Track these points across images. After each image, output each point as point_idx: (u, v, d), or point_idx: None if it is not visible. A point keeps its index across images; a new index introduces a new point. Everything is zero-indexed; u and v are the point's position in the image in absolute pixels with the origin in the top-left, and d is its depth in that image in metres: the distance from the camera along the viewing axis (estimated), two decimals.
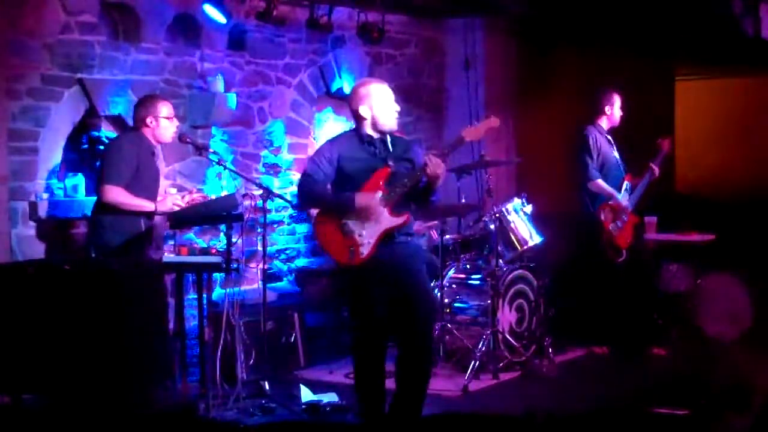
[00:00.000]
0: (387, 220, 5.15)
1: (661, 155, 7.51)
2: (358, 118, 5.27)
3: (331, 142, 5.39)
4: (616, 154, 7.41)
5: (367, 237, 5.12)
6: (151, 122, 5.96)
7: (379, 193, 5.15)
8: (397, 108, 5.32)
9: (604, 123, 7.42)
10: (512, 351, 6.81)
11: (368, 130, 5.26)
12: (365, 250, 5.12)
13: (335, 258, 5.21)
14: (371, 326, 5.22)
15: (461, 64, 9.00)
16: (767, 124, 9.80)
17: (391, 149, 5.27)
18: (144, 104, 6.07)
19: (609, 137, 7.43)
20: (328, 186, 5.26)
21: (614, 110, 7.40)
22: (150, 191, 6.00)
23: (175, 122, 6.10)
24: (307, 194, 5.31)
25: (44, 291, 5.07)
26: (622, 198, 7.30)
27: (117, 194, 5.82)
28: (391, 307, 5.19)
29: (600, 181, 7.28)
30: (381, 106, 5.23)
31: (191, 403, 5.92)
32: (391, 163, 5.22)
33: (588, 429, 4.19)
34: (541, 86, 8.84)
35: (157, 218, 6.27)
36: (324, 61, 8.19)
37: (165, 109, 6.01)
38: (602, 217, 7.23)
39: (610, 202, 7.26)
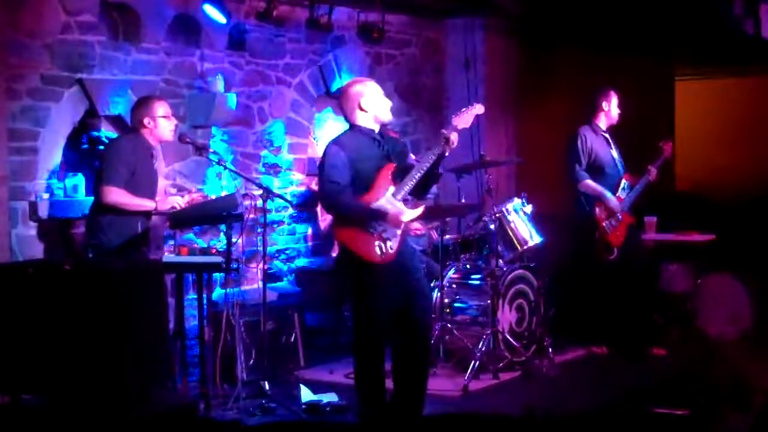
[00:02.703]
0: (407, 213, 5.19)
1: (661, 158, 7.48)
2: (361, 113, 5.28)
3: (338, 145, 5.31)
4: (614, 153, 7.39)
5: (391, 232, 5.18)
6: (149, 123, 5.97)
7: (391, 188, 5.21)
8: (390, 102, 5.39)
9: (601, 121, 7.40)
10: (512, 351, 6.81)
11: (371, 124, 5.30)
12: (394, 245, 5.18)
13: (366, 257, 5.15)
14: (373, 326, 5.22)
15: (461, 64, 9.00)
16: (767, 124, 9.81)
17: (386, 144, 5.35)
18: (140, 106, 6.07)
19: (607, 136, 7.41)
20: (351, 191, 5.22)
21: (611, 108, 7.38)
22: (148, 193, 6.00)
23: (173, 120, 6.09)
24: (336, 203, 5.23)
25: (44, 291, 5.07)
26: (616, 197, 7.28)
27: (117, 195, 5.83)
28: (396, 305, 5.21)
29: (588, 182, 7.28)
30: (376, 100, 5.30)
31: (191, 403, 5.92)
32: (393, 158, 5.31)
33: (588, 429, 4.19)
34: (541, 86, 8.84)
35: (157, 218, 6.27)
36: (324, 61, 8.19)
37: (161, 108, 6.01)
38: (597, 214, 7.23)
39: (603, 201, 7.26)
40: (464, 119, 5.31)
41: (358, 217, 5.21)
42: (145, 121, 5.96)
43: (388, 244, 5.16)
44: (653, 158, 7.45)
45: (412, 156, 5.87)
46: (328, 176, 5.20)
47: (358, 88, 5.32)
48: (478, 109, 5.39)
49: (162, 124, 5.99)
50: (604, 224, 7.23)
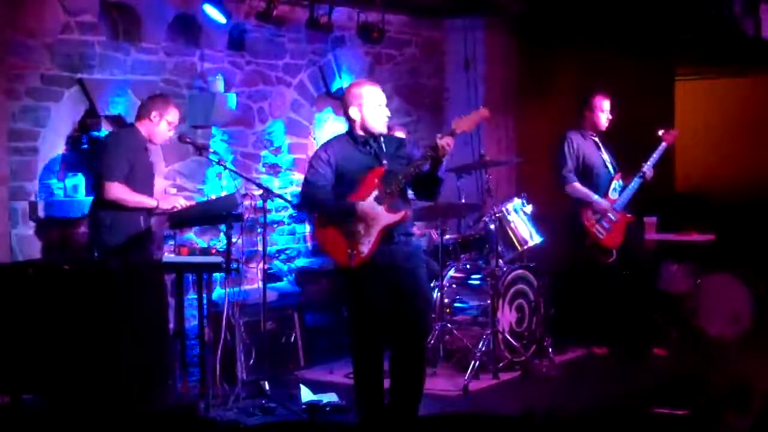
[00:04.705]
0: (384, 217, 5.15)
1: (659, 150, 7.36)
2: (349, 120, 5.31)
3: (326, 145, 5.41)
4: (604, 155, 7.35)
5: (366, 236, 5.12)
6: (154, 117, 6.03)
7: (375, 192, 5.17)
8: (388, 113, 5.33)
9: (588, 125, 7.39)
10: (512, 351, 6.81)
11: (359, 131, 5.29)
12: (365, 249, 5.12)
13: (335, 259, 5.21)
14: (370, 327, 5.22)
15: (461, 64, 8.99)
16: (767, 124, 9.81)
17: (384, 149, 5.29)
18: (156, 100, 6.16)
19: (596, 139, 7.39)
20: (329, 190, 5.25)
21: (597, 113, 7.33)
22: (145, 186, 6.03)
23: (173, 131, 6.17)
24: (310, 200, 5.32)
25: (44, 291, 5.07)
26: (607, 198, 7.25)
27: (118, 190, 5.84)
28: (389, 307, 5.19)
29: (575, 185, 7.27)
30: (371, 108, 5.25)
31: (191, 403, 5.92)
32: (385, 161, 5.24)
33: (588, 429, 4.19)
34: (541, 86, 8.84)
35: (157, 218, 6.28)
36: (324, 61, 8.19)
37: (173, 113, 6.12)
38: (585, 221, 7.22)
39: (592, 205, 7.24)
40: (466, 123, 5.22)
41: (327, 212, 5.23)
42: (153, 114, 6.02)
43: (360, 247, 5.12)
44: (650, 151, 7.35)
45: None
46: (306, 175, 5.36)
47: (353, 93, 5.30)
48: (483, 113, 5.29)
49: (163, 126, 6.06)
50: (593, 230, 7.23)
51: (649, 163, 7.31)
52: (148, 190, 6.06)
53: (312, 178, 5.26)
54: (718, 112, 10.25)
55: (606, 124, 7.37)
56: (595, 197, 7.24)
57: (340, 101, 5.45)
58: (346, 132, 5.39)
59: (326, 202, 5.23)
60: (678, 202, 9.27)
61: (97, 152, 6.20)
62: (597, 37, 8.47)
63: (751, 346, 7.32)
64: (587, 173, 7.31)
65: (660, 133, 7.42)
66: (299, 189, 7.86)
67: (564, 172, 7.27)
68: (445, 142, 5.06)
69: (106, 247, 5.86)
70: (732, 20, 7.76)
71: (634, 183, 7.32)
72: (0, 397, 5.25)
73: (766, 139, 9.80)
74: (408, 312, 5.21)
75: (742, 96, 10.08)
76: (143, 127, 6.05)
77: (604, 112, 7.34)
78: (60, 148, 6.50)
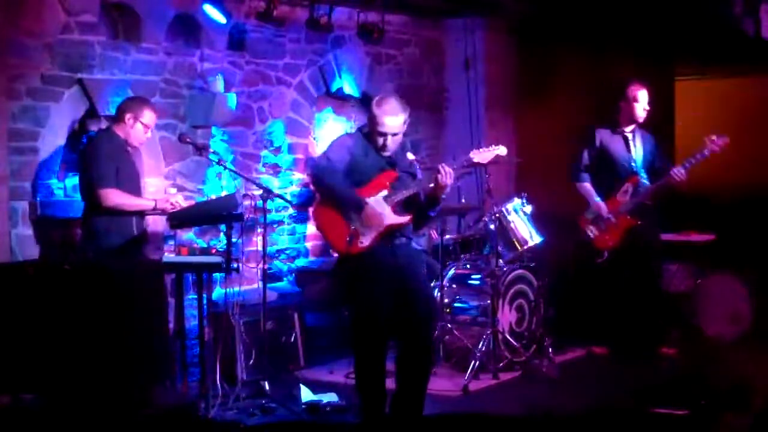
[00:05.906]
0: (390, 217, 5.19)
1: (699, 156, 7.20)
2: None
3: (348, 136, 5.50)
4: (634, 153, 7.24)
5: (368, 228, 5.17)
6: (129, 120, 5.98)
7: (384, 192, 5.21)
8: (397, 141, 5.26)
9: (623, 119, 7.30)
10: (512, 351, 6.81)
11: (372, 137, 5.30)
12: (366, 241, 5.16)
13: (333, 244, 5.24)
14: (372, 324, 5.23)
15: (461, 64, 9.00)
16: (767, 124, 9.80)
17: (396, 161, 5.33)
18: (132, 102, 6.11)
19: (628, 135, 7.29)
20: (342, 176, 5.24)
21: (632, 104, 7.19)
22: (132, 188, 6.01)
23: (149, 133, 6.14)
24: (323, 179, 5.25)
25: (44, 291, 5.07)
26: (614, 198, 7.23)
27: (115, 196, 5.82)
28: (393, 308, 5.20)
29: (584, 185, 7.30)
30: (376, 132, 5.21)
31: (191, 403, 5.93)
32: (398, 168, 5.29)
33: (588, 429, 4.19)
34: (541, 86, 8.83)
35: (157, 218, 6.27)
36: (324, 61, 8.19)
37: (149, 115, 6.04)
38: (582, 219, 7.24)
39: (591, 207, 7.25)
40: (483, 156, 5.31)
41: (337, 197, 5.22)
42: (127, 116, 5.99)
43: (360, 238, 5.15)
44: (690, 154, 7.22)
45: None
46: (326, 153, 5.34)
47: (373, 110, 5.22)
48: (501, 151, 5.35)
49: (138, 129, 6.01)
50: (585, 228, 7.25)
51: (685, 166, 7.15)
52: (135, 192, 6.05)
53: (333, 158, 5.23)
54: (718, 112, 10.22)
55: (643, 116, 7.23)
56: (596, 199, 7.24)
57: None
58: (362, 130, 5.38)
59: (337, 189, 5.21)
60: (678, 202, 9.26)
61: (82, 161, 6.09)
62: (597, 37, 8.46)
63: (751, 346, 7.32)
64: (608, 171, 7.25)
65: (707, 139, 7.23)
66: (301, 189, 7.88)
67: (576, 171, 7.29)
68: (446, 172, 5.11)
69: (100, 252, 5.83)
70: (732, 20, 7.76)
71: (645, 189, 7.21)
72: (0, 397, 5.25)
73: (766, 139, 9.78)
74: (414, 314, 5.23)
75: (742, 96, 10.06)
76: (120, 130, 6.02)
77: (639, 102, 7.21)
78: (60, 149, 6.50)
